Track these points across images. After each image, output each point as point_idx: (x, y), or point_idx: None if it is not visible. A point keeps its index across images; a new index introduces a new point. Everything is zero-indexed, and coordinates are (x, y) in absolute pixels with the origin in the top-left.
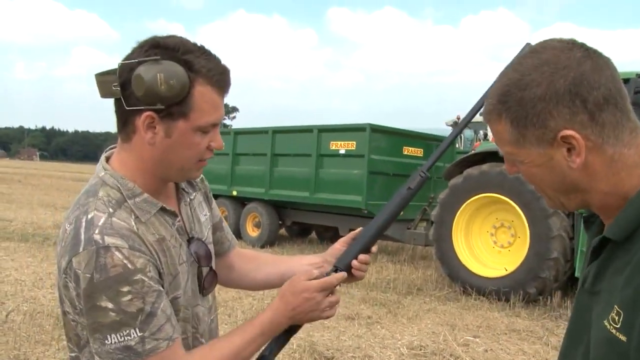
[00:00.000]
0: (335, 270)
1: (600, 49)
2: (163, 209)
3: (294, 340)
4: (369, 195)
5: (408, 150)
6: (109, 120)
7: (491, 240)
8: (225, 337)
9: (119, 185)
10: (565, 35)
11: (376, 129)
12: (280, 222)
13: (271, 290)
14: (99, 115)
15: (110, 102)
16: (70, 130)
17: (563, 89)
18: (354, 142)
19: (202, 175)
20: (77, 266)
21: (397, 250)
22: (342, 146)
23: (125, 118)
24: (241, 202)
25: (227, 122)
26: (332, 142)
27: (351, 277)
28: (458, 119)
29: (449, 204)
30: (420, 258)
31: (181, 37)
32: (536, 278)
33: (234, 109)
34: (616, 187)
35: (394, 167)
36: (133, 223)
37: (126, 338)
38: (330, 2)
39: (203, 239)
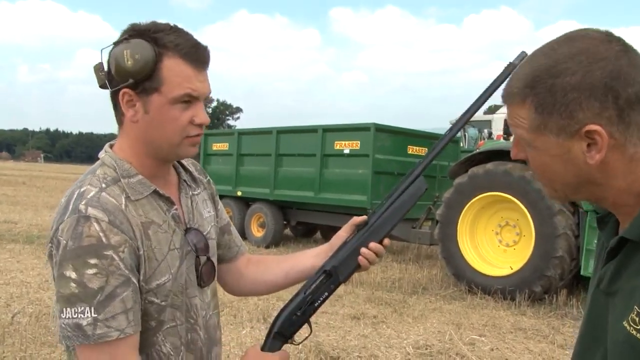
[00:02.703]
0: (325, 272)
1: None
2: (157, 193)
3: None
4: (374, 195)
5: (413, 150)
6: (113, 122)
7: (496, 239)
8: None
9: (116, 165)
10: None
11: (381, 129)
12: (285, 222)
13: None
14: (103, 117)
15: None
16: (75, 132)
17: (599, 82)
18: (359, 142)
19: (209, 178)
20: (60, 233)
21: (402, 249)
22: (346, 146)
23: (114, 102)
24: (246, 202)
25: (231, 122)
26: (336, 142)
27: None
28: None
29: (454, 203)
30: (425, 257)
31: (159, 22)
32: (542, 276)
33: (238, 110)
34: (632, 186)
35: (399, 167)
36: (123, 201)
37: (79, 315)
38: (333, 2)
39: (204, 233)
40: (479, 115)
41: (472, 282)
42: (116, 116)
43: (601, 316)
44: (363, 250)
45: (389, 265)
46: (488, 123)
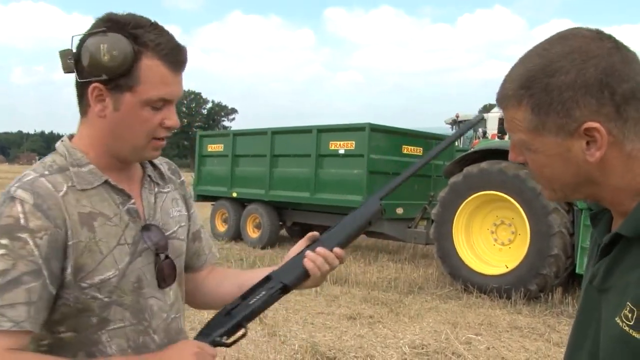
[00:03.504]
0: (283, 288)
1: None
2: (109, 184)
3: (296, 341)
4: (369, 195)
5: (407, 149)
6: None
7: (492, 238)
8: None
9: (67, 154)
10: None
11: (375, 129)
12: (280, 223)
13: None
14: None
15: None
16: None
17: (593, 79)
18: (353, 142)
19: (183, 179)
20: None
21: (398, 249)
22: (341, 146)
23: (80, 91)
24: (241, 203)
25: (226, 123)
26: (331, 142)
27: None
28: (457, 117)
29: (449, 202)
30: (421, 257)
31: (136, 15)
32: (537, 275)
33: (233, 111)
34: (630, 184)
35: (394, 167)
36: (63, 189)
37: None
38: (327, 3)
39: (169, 232)
40: (474, 114)
41: (468, 281)
42: (80, 105)
43: (594, 312)
44: (308, 252)
45: (385, 265)
46: (482, 122)
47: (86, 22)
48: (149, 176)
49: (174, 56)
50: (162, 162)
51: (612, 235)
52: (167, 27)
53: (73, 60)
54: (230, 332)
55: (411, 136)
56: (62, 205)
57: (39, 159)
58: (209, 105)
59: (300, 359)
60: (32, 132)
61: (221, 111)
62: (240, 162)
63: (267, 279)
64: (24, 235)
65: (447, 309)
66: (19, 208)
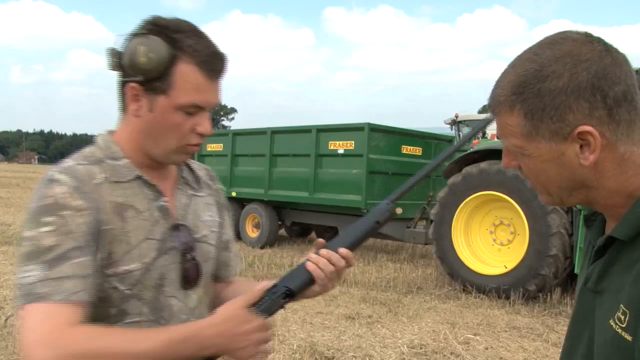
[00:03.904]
0: (287, 292)
1: None
2: (142, 180)
3: (294, 341)
4: (368, 195)
5: (407, 149)
6: (107, 123)
7: (490, 238)
8: (136, 333)
9: (105, 147)
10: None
11: (375, 128)
12: (279, 222)
13: None
14: (98, 118)
15: (108, 106)
16: (69, 133)
17: (585, 82)
18: (353, 142)
19: (220, 186)
20: (30, 198)
21: (397, 249)
22: (340, 146)
23: (121, 89)
24: (240, 203)
25: (225, 123)
26: (330, 142)
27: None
28: (456, 117)
29: (448, 202)
30: (420, 257)
31: (181, 19)
32: (536, 275)
33: (233, 110)
34: (623, 186)
35: (393, 166)
36: (99, 178)
37: (27, 274)
38: (326, 2)
39: (198, 235)
40: (473, 114)
41: (466, 281)
42: (120, 102)
43: (588, 315)
44: (311, 255)
45: (384, 265)
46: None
47: (85, 21)
48: (184, 178)
49: (211, 64)
50: (201, 168)
51: (606, 238)
52: None
53: (117, 60)
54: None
55: (410, 136)
56: (99, 191)
57: (38, 158)
58: None
59: (299, 359)
60: (31, 131)
61: (220, 110)
62: (239, 162)
63: (273, 286)
64: (67, 213)
65: (446, 309)
66: (60, 189)
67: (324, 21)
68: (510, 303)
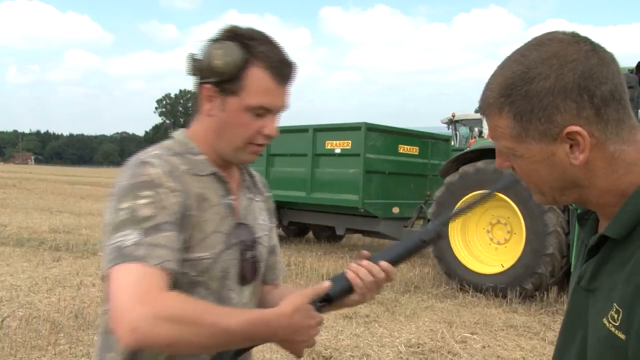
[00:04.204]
0: (325, 298)
1: None
2: (217, 176)
3: None
4: (365, 194)
5: (404, 149)
6: (103, 123)
7: (487, 237)
8: (221, 308)
9: (183, 143)
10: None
11: (372, 128)
12: (277, 222)
13: None
14: (94, 118)
15: (104, 106)
16: (65, 133)
17: (572, 83)
18: (350, 141)
19: (270, 195)
20: (119, 179)
21: None
22: (337, 145)
23: (197, 91)
24: None
25: None
26: (327, 142)
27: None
28: (453, 116)
29: (445, 201)
30: (417, 256)
31: (257, 30)
32: (533, 274)
33: None
34: (614, 185)
35: (390, 166)
36: (182, 168)
37: (124, 237)
38: (323, 2)
39: (255, 234)
40: (470, 114)
41: (463, 280)
42: (197, 103)
43: (581, 313)
44: (351, 264)
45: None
46: (479, 121)
47: (81, 21)
48: (245, 181)
49: (280, 69)
50: (257, 175)
51: (599, 237)
52: (162, 26)
53: (196, 64)
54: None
55: (407, 135)
56: (184, 178)
57: (34, 159)
58: None
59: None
60: (27, 131)
61: None
62: None
63: None
64: (163, 191)
65: (443, 308)
66: (154, 170)
67: (320, 21)
68: (507, 302)
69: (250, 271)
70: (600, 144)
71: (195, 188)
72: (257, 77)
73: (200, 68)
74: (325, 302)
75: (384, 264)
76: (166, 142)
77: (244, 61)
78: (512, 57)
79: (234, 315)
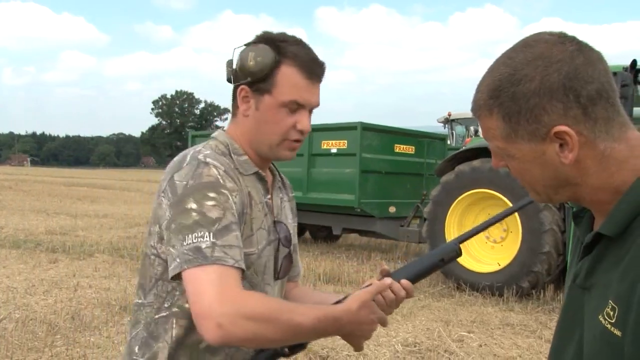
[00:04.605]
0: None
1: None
2: (259, 175)
3: None
4: (362, 194)
5: (400, 148)
6: (100, 125)
7: (484, 236)
8: (294, 306)
9: (228, 143)
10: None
11: (367, 128)
12: None
13: None
14: (90, 120)
15: (100, 107)
16: (61, 135)
17: (557, 84)
18: (346, 141)
19: (294, 195)
20: (177, 178)
21: (391, 247)
22: (333, 145)
23: (233, 94)
24: None
25: (218, 123)
26: (323, 142)
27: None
28: (449, 115)
29: (442, 200)
30: (414, 255)
31: (287, 33)
32: (529, 272)
33: (226, 111)
34: (607, 182)
35: (386, 165)
36: (232, 167)
37: (199, 239)
38: (318, 2)
39: (290, 232)
40: (466, 112)
41: (460, 279)
42: (232, 107)
43: (577, 311)
44: (375, 281)
45: (378, 264)
46: (475, 121)
47: (76, 23)
48: (277, 182)
49: (310, 67)
50: (285, 177)
51: (594, 235)
52: (157, 27)
53: (232, 69)
54: (293, 347)
55: (403, 135)
56: (238, 177)
57: (30, 160)
58: (202, 105)
59: (293, 358)
60: (23, 133)
61: (214, 111)
62: None
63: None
64: (225, 192)
65: (440, 307)
66: (215, 170)
67: (316, 21)
68: (503, 300)
69: (285, 267)
70: (589, 142)
71: (246, 187)
72: (288, 75)
73: (235, 72)
74: None
75: (404, 282)
76: (211, 143)
77: (275, 61)
78: (500, 60)
79: (307, 313)
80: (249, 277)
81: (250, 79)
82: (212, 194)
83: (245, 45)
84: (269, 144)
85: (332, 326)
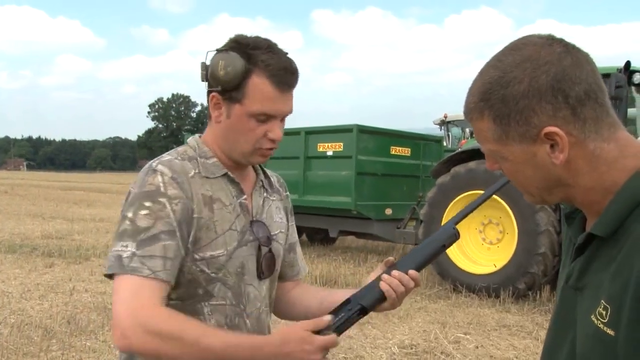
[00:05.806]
0: (361, 309)
1: (581, 45)
2: (228, 177)
3: None
4: (358, 196)
5: (396, 150)
6: (96, 128)
7: (480, 237)
8: (207, 328)
9: (197, 147)
10: (549, 32)
11: (363, 130)
12: None
13: None
14: (86, 123)
15: (96, 111)
16: (58, 139)
17: (545, 85)
18: (342, 144)
19: (288, 194)
20: (131, 185)
21: (387, 249)
22: (329, 148)
23: (208, 98)
24: None
25: None
26: (319, 144)
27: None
28: (445, 117)
29: (437, 202)
30: None
31: (261, 38)
32: (525, 273)
33: None
34: (597, 182)
35: (382, 168)
36: (192, 172)
37: (123, 248)
38: (314, 4)
39: (271, 233)
40: (462, 114)
41: (456, 281)
42: (209, 110)
43: (570, 311)
44: (384, 276)
45: (375, 266)
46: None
47: (72, 26)
48: (261, 181)
49: (280, 76)
50: (273, 175)
51: (586, 235)
52: (154, 30)
53: (204, 72)
54: None
55: (399, 137)
56: (191, 183)
57: (26, 165)
58: (198, 108)
59: None
60: (19, 137)
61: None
62: None
63: (347, 301)
64: (164, 200)
65: (436, 309)
66: (160, 178)
67: (312, 23)
68: (500, 302)
69: (267, 266)
70: (579, 142)
71: (204, 191)
72: (258, 85)
73: (208, 77)
74: (362, 313)
75: (412, 272)
76: (180, 148)
77: (246, 70)
78: (490, 63)
79: (219, 336)
80: (222, 279)
81: (220, 87)
82: (147, 203)
83: (217, 50)
84: (241, 151)
85: (249, 353)
